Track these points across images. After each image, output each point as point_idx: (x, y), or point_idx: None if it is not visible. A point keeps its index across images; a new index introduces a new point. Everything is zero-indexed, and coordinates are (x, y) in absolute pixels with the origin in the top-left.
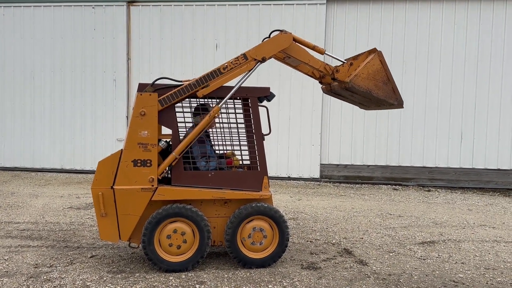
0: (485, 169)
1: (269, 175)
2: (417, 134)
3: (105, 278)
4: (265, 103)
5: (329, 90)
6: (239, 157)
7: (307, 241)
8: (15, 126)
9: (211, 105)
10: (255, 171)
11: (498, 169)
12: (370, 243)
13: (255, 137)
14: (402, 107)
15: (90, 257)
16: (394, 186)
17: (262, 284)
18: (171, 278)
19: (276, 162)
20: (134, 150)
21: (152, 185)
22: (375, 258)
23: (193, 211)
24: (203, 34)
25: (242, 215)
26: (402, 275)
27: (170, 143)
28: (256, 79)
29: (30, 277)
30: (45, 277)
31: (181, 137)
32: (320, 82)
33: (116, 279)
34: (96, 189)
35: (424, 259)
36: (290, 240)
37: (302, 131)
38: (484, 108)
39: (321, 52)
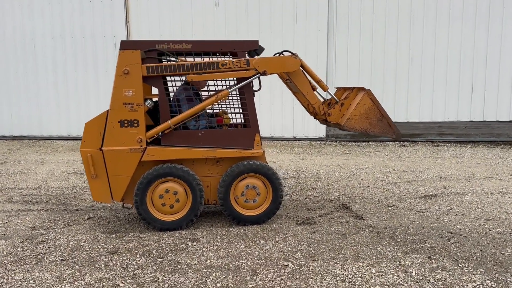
0: (497, 122)
1: (274, 136)
2: (425, 88)
3: (99, 238)
4: None
5: (325, 124)
6: (230, 116)
7: (306, 198)
8: (21, 95)
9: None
10: (247, 128)
11: (510, 121)
12: (369, 198)
13: (245, 94)
14: (400, 140)
15: (87, 219)
16: (402, 142)
17: (255, 239)
18: (164, 236)
19: (281, 123)
20: (120, 111)
21: (141, 146)
22: (372, 212)
23: (184, 171)
24: None
25: (234, 173)
26: (398, 228)
27: (158, 102)
28: (258, 36)
29: (26, 239)
30: (40, 238)
31: (170, 97)
32: (314, 118)
33: (110, 239)
34: (85, 151)
35: (424, 212)
36: (288, 198)
37: None
38: (495, 58)
39: (324, 89)
